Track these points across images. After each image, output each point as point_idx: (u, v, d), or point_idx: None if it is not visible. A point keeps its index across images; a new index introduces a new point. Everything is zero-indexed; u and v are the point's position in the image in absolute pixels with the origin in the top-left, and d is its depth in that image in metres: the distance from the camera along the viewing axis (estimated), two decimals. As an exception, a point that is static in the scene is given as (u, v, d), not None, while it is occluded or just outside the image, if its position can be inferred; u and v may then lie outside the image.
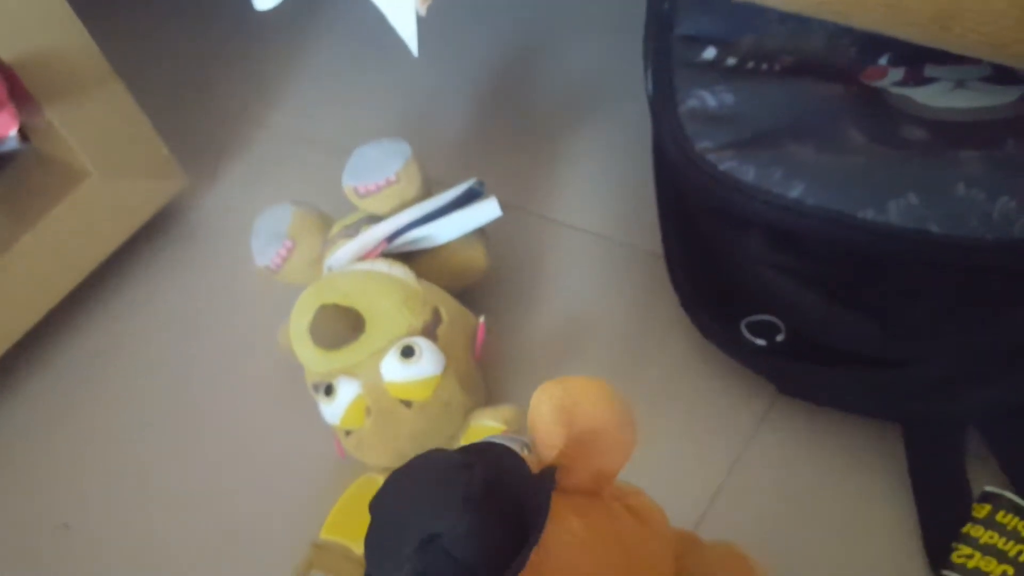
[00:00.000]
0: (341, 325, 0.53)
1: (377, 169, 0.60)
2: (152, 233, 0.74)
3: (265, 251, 0.63)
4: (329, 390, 0.54)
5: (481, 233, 0.62)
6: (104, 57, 0.66)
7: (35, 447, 0.65)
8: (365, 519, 0.54)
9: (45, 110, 0.64)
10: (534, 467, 0.35)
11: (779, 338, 0.52)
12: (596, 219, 0.69)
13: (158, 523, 0.60)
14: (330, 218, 0.64)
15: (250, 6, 0.59)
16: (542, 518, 0.32)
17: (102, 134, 0.67)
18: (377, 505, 0.36)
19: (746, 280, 0.52)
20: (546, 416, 0.35)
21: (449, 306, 0.57)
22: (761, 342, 0.53)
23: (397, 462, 0.56)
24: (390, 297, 0.54)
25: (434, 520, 0.32)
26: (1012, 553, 0.45)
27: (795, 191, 0.46)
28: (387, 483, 0.36)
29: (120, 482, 0.62)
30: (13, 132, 0.61)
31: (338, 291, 0.54)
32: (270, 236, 0.63)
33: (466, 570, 0.31)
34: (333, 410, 0.54)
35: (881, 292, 0.48)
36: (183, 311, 0.70)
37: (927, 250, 0.44)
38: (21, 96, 0.63)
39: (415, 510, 0.33)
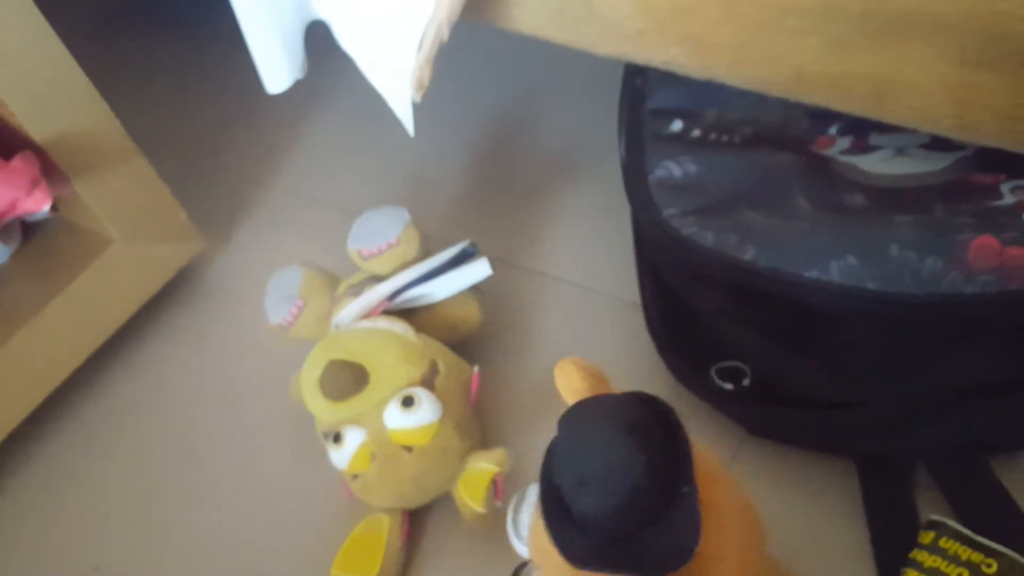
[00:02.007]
0: (347, 378, 0.59)
1: (379, 234, 0.66)
2: (171, 294, 0.79)
3: (278, 310, 0.68)
4: (337, 438, 0.59)
5: (475, 290, 0.67)
6: (126, 133, 0.72)
7: (65, 497, 0.69)
8: (371, 555, 0.60)
9: (73, 183, 0.70)
10: None
11: (745, 383, 0.58)
12: (581, 272, 0.74)
13: (182, 565, 0.64)
14: (337, 277, 0.69)
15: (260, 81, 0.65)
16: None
17: (124, 203, 0.73)
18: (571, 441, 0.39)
19: (711, 329, 0.57)
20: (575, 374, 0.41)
21: (446, 358, 0.62)
22: (729, 386, 0.58)
23: (399, 503, 0.61)
24: (391, 351, 0.60)
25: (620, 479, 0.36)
26: (952, 575, 0.50)
27: (748, 254, 0.52)
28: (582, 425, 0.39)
29: (145, 528, 0.67)
30: (47, 207, 0.66)
31: (344, 348, 0.60)
32: (282, 296, 0.68)
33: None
34: (341, 456, 0.59)
35: (828, 342, 0.53)
36: (200, 366, 0.76)
37: (866, 305, 0.50)
38: (52, 172, 0.68)
39: (592, 458, 0.37)
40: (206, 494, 0.68)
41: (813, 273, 0.50)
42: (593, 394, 0.41)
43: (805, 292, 0.51)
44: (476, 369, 0.64)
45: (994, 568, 0.49)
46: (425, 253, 0.66)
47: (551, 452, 0.39)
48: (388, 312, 0.64)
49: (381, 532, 0.60)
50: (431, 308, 0.66)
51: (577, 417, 0.39)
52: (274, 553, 0.63)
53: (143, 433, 0.72)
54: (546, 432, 0.43)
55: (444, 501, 0.62)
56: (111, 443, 0.72)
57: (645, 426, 0.36)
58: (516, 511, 0.50)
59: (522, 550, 0.43)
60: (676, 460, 0.37)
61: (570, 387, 0.42)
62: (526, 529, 0.42)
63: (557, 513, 0.38)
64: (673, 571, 0.36)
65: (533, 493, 0.42)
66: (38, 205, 0.66)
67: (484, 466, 0.59)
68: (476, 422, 0.63)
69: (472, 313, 0.66)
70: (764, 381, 0.56)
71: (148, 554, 0.65)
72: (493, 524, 0.61)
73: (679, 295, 0.60)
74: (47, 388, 0.71)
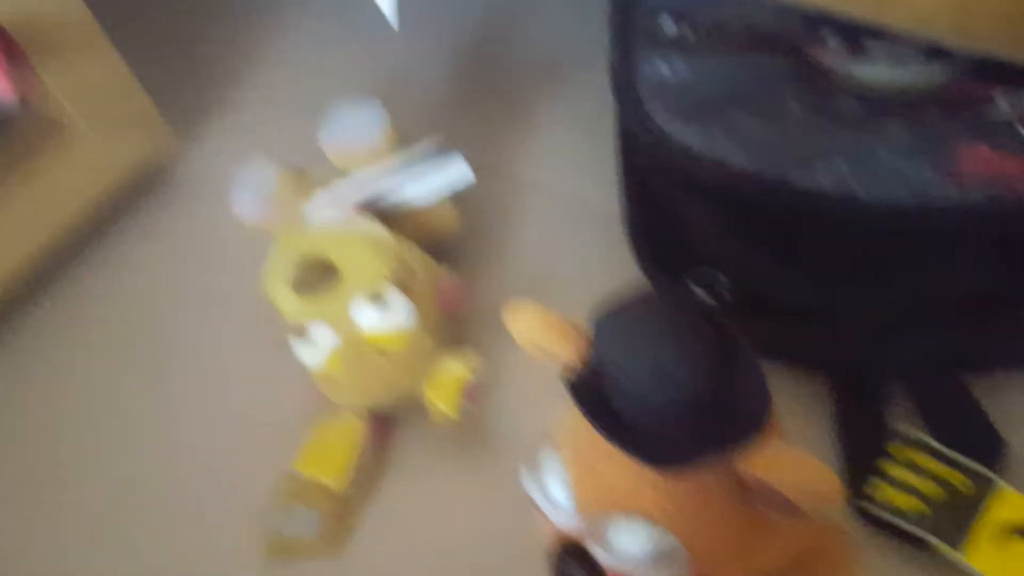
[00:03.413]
0: (317, 273, 0.57)
1: (355, 131, 0.64)
2: (138, 190, 0.76)
3: (247, 205, 0.66)
4: (306, 335, 0.58)
5: (453, 196, 0.65)
6: (93, 18, 0.68)
7: (24, 396, 0.68)
8: (337, 455, 0.59)
9: (36, 68, 0.67)
10: None
11: (724, 294, 0.57)
12: (562, 181, 0.73)
13: (146, 463, 0.63)
14: (310, 174, 0.67)
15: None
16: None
17: (90, 91, 0.70)
18: (615, 341, 0.36)
19: (696, 238, 0.56)
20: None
21: (419, 260, 0.61)
22: (708, 298, 0.57)
23: (368, 403, 0.60)
24: (363, 249, 0.58)
25: (676, 367, 0.33)
26: (922, 489, 0.50)
27: (736, 157, 0.50)
28: (620, 320, 0.36)
29: (107, 427, 0.65)
30: (10, 95, 0.63)
31: (313, 242, 0.58)
32: (253, 192, 0.66)
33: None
34: (310, 354, 0.58)
35: (812, 251, 0.52)
36: (167, 264, 0.74)
37: (854, 214, 0.48)
38: (16, 57, 0.65)
39: (657, 356, 0.34)
40: (172, 393, 0.67)
41: (801, 179, 0.49)
42: (542, 344, 0.39)
43: (792, 198, 0.49)
44: (451, 273, 0.62)
45: (964, 483, 0.49)
46: (401, 151, 0.64)
47: (596, 374, 0.36)
48: (361, 211, 0.62)
49: (349, 432, 0.59)
50: (407, 212, 0.64)
51: (617, 334, 0.36)
52: (240, 450, 0.63)
53: (106, 331, 0.71)
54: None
55: (414, 404, 0.61)
56: (74, 341, 0.70)
57: (677, 314, 0.34)
58: (538, 471, 0.43)
59: (559, 514, 0.39)
60: (719, 329, 0.35)
61: (522, 333, 0.39)
62: (557, 483, 0.39)
63: (622, 434, 0.34)
64: (751, 440, 0.34)
65: (550, 452, 0.40)
66: (3, 93, 0.63)
67: (456, 370, 0.58)
68: (448, 326, 0.62)
69: (448, 217, 0.65)
70: (744, 292, 0.55)
71: (111, 452, 0.64)
72: (463, 428, 0.60)
73: (662, 204, 0.59)
74: (4, 282, 0.69)
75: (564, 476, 0.38)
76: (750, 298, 0.54)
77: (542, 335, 0.38)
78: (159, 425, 0.65)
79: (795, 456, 0.32)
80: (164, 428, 0.65)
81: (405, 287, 0.58)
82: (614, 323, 0.34)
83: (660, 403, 0.33)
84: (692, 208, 0.55)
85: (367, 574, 0.56)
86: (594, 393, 0.35)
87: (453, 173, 0.62)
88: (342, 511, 0.57)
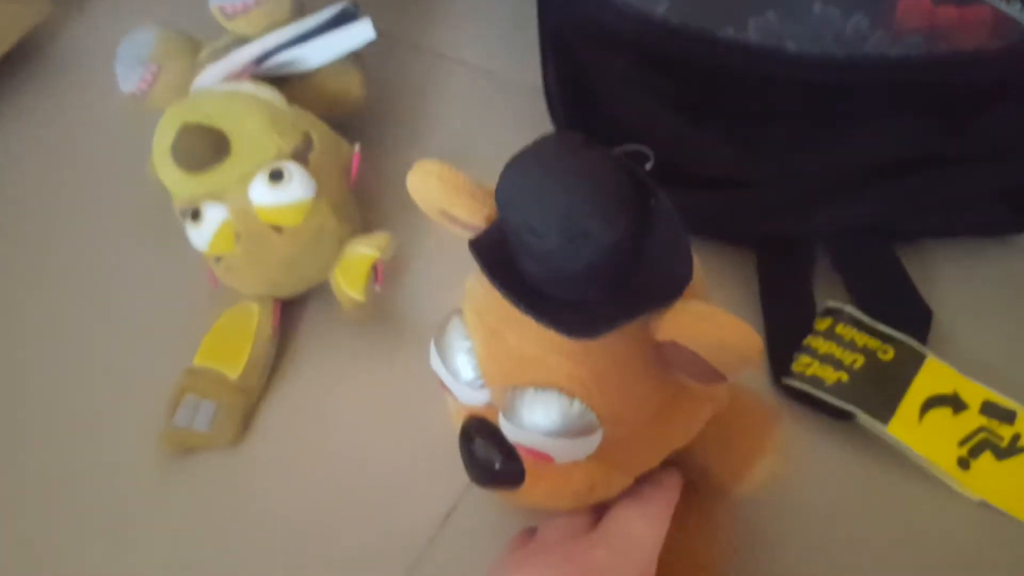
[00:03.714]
0: (205, 147, 0.52)
1: (246, -11, 0.57)
2: (11, 66, 0.69)
3: (129, 76, 0.60)
4: (196, 215, 0.53)
5: (357, 60, 0.60)
6: None
7: None
8: (237, 345, 0.55)
9: None
10: None
11: (648, 166, 0.53)
12: (479, 53, 0.68)
13: (28, 358, 0.58)
14: (198, 42, 0.61)
15: None
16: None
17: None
18: (518, 187, 0.31)
19: (615, 106, 0.52)
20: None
21: (321, 132, 0.56)
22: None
23: (270, 289, 0.56)
24: (257, 119, 0.53)
25: (588, 219, 0.29)
26: (847, 362, 0.48)
27: (660, 8, 0.46)
28: (524, 164, 0.31)
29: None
30: None
31: (201, 111, 0.52)
32: (134, 60, 0.60)
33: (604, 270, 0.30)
34: (200, 235, 0.53)
35: (738, 113, 0.49)
36: (46, 144, 0.67)
37: (783, 68, 0.45)
38: None
39: (568, 206, 0.29)
40: (56, 285, 0.61)
41: (729, 31, 0.45)
42: (447, 206, 0.34)
43: (718, 53, 0.46)
44: (357, 147, 0.57)
45: (891, 354, 0.48)
46: (298, 14, 0.58)
47: (500, 239, 0.32)
48: (255, 78, 0.56)
49: (249, 320, 0.55)
50: (306, 78, 0.58)
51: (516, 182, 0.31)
52: (132, 344, 0.58)
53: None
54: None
55: (320, 290, 0.57)
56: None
57: (578, 158, 0.30)
58: (442, 341, 0.38)
59: (465, 389, 0.36)
60: (632, 178, 0.31)
61: (425, 196, 0.35)
62: (462, 354, 0.34)
63: (530, 298, 0.31)
64: (671, 302, 0.30)
65: (455, 323, 0.36)
66: None
67: (364, 251, 0.54)
68: (356, 206, 0.58)
69: (353, 84, 0.59)
70: (667, 162, 0.51)
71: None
72: (373, 313, 0.57)
73: (583, 71, 0.55)
74: None
75: (470, 347, 0.34)
76: (675, 171, 0.50)
77: (446, 196, 0.34)
78: (45, 326, 0.60)
79: (710, 313, 0.29)
80: (51, 329, 0.60)
81: (305, 161, 0.54)
82: (518, 173, 0.30)
83: (570, 261, 0.29)
84: (612, 72, 0.51)
85: (266, 465, 0.53)
86: (500, 255, 0.31)
87: (354, 31, 0.56)
88: (241, 401, 0.54)
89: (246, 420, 0.54)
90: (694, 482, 0.40)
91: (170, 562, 0.50)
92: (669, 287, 0.30)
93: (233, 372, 0.54)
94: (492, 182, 0.36)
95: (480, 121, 0.64)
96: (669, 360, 0.32)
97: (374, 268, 0.54)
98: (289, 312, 0.58)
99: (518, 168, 0.30)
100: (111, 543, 0.51)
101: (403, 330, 0.57)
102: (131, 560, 0.50)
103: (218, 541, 0.51)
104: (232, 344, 0.55)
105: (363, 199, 0.59)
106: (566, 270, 0.30)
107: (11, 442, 0.55)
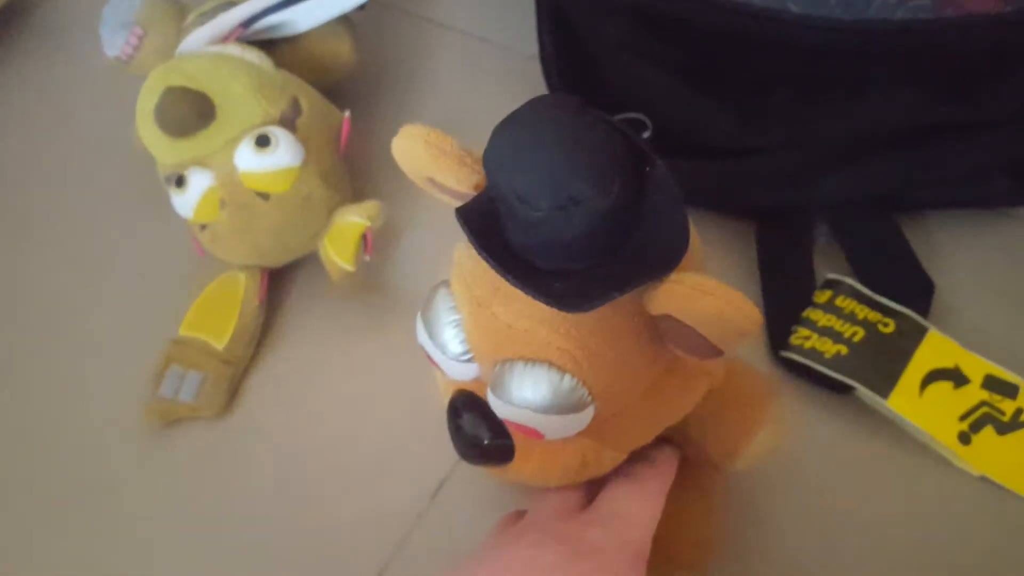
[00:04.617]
0: (190, 111, 0.50)
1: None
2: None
3: (114, 41, 0.58)
4: (180, 181, 0.52)
5: (347, 24, 0.58)
6: None
7: None
8: (223, 315, 0.54)
9: None
10: None
11: (646, 135, 0.52)
12: (473, 20, 0.66)
13: (10, 322, 0.57)
14: (184, 5, 0.59)
15: None
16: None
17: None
18: (507, 151, 0.29)
19: (612, 73, 0.51)
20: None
21: (310, 97, 0.54)
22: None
23: (256, 258, 0.55)
24: (243, 82, 0.51)
25: (580, 185, 0.27)
26: (847, 334, 0.47)
27: (659, -32, 0.45)
28: (513, 127, 0.29)
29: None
30: None
31: (185, 73, 0.51)
32: (119, 24, 0.58)
33: (597, 238, 0.28)
34: (185, 202, 0.52)
35: (739, 80, 0.47)
36: (31, 109, 0.66)
37: (785, 31, 0.43)
38: None
39: (558, 170, 0.28)
40: (40, 252, 0.60)
41: (729, -8, 0.44)
42: (433, 172, 0.33)
43: (719, 16, 0.44)
44: (347, 114, 0.56)
45: (891, 327, 0.47)
46: (288, -25, 0.56)
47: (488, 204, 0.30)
48: (243, 42, 0.55)
49: (236, 290, 0.54)
50: (295, 42, 0.57)
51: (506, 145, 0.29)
52: (117, 313, 0.57)
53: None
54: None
55: (309, 259, 0.56)
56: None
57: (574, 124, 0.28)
58: (429, 314, 0.37)
59: (453, 364, 0.34)
60: (627, 143, 0.29)
61: (411, 162, 0.33)
62: (449, 327, 0.34)
63: (518, 268, 0.29)
64: (667, 273, 0.29)
65: (442, 295, 0.34)
66: None
67: (354, 219, 0.53)
68: (346, 174, 0.56)
69: (343, 49, 0.58)
70: (667, 131, 0.50)
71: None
72: (362, 283, 0.55)
73: (579, 38, 0.53)
74: None
75: (457, 320, 0.33)
76: (674, 140, 0.49)
77: (432, 162, 0.33)
78: (29, 293, 0.59)
79: (708, 285, 0.28)
80: (34, 296, 0.58)
81: (292, 127, 0.52)
82: (507, 136, 0.29)
83: (561, 229, 0.28)
84: (608, 37, 0.49)
85: (252, 437, 0.52)
86: (488, 223, 0.30)
87: (344, -8, 0.54)
88: (227, 372, 0.53)
89: (232, 391, 0.53)
90: (689, 456, 0.39)
91: (154, 533, 0.49)
92: (664, 258, 0.29)
93: (219, 342, 0.53)
94: (482, 148, 0.35)
95: (473, 89, 0.63)
96: (664, 333, 0.31)
97: (364, 237, 0.53)
98: (277, 282, 0.57)
99: (507, 131, 0.29)
100: (95, 514, 0.50)
101: (393, 301, 0.56)
102: (115, 531, 0.50)
103: (202, 513, 0.50)
104: (218, 314, 0.54)
105: (353, 167, 0.58)
106: (556, 239, 0.28)
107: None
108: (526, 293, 0.29)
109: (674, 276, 0.29)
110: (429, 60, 0.65)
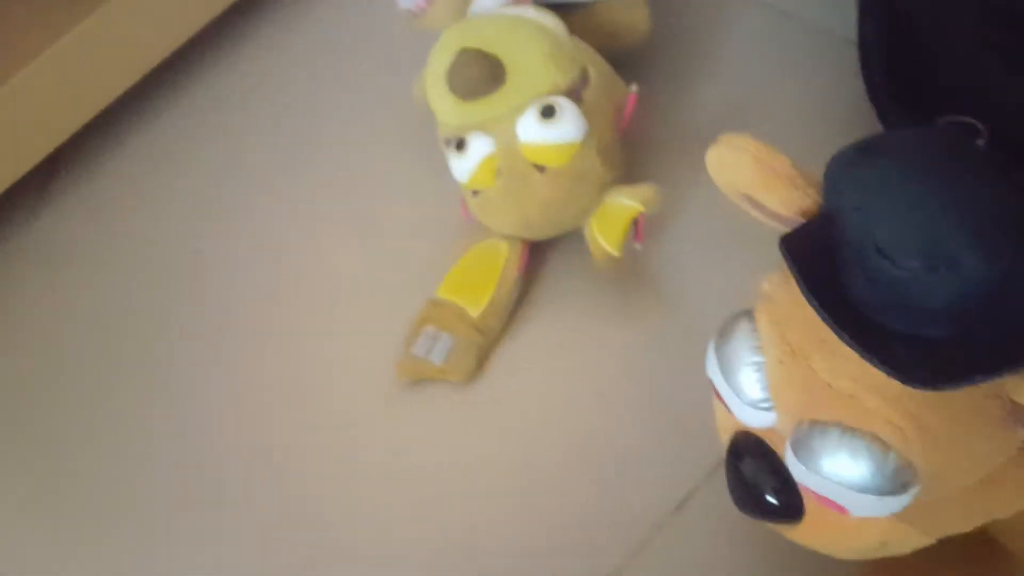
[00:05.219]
0: (481, 74, 0.49)
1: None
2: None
3: (409, -8, 0.58)
4: (461, 145, 0.51)
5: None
6: None
7: (171, 180, 0.64)
8: (481, 283, 0.53)
9: None
10: None
11: (979, 143, 0.45)
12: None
13: (284, 258, 0.59)
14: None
15: None
16: None
17: None
18: (871, 189, 0.25)
19: (949, 66, 0.44)
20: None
21: (600, 68, 0.51)
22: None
23: (522, 230, 0.53)
24: (537, 48, 0.49)
25: (963, 246, 0.23)
26: None
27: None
28: (883, 160, 0.25)
29: (248, 218, 0.61)
30: None
31: (481, 36, 0.49)
32: (415, -27, 0.58)
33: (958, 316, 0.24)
34: (463, 166, 0.51)
35: None
36: (318, 55, 0.67)
37: None
38: None
39: (939, 226, 0.24)
40: (311, 193, 0.61)
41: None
42: (754, 191, 0.29)
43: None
44: (634, 88, 0.53)
45: None
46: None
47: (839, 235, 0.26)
48: (538, 5, 0.53)
49: (497, 259, 0.53)
50: (590, 7, 0.54)
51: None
52: (381, 267, 0.57)
53: (250, 124, 0.65)
54: (706, 173, 0.32)
55: (572, 237, 0.53)
56: (218, 130, 0.65)
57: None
58: (725, 349, 0.32)
59: (747, 410, 0.30)
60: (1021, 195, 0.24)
61: (730, 176, 0.29)
62: (749, 369, 0.30)
63: (857, 327, 0.25)
64: None
65: (744, 330, 0.30)
66: None
67: (626, 203, 0.50)
68: (624, 151, 0.53)
69: (639, 19, 0.54)
70: (1008, 140, 0.42)
71: (248, 244, 0.60)
72: (625, 271, 0.53)
73: (915, 26, 0.46)
74: (156, 58, 0.64)
75: (760, 364, 0.29)
76: (1017, 152, 0.42)
77: (760, 181, 0.29)
78: (302, 226, 0.60)
79: None
80: (299, 232, 0.60)
81: (579, 99, 0.50)
82: (873, 170, 0.24)
83: (925, 294, 0.24)
84: (946, 17, 0.42)
85: (495, 409, 0.51)
86: (822, 266, 0.26)
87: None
88: (478, 340, 0.52)
89: (481, 359, 0.52)
90: (997, 542, 0.33)
91: (390, 485, 0.50)
92: None
93: (474, 309, 0.52)
94: (796, 158, 0.31)
95: (773, 70, 0.58)
96: None
97: (634, 222, 0.50)
98: (536, 256, 0.55)
99: (867, 165, 0.25)
100: (338, 463, 0.51)
101: (656, 295, 0.53)
102: (355, 480, 0.50)
103: (437, 476, 0.50)
104: (477, 281, 0.53)
105: (631, 144, 0.54)
106: (917, 302, 0.24)
107: (251, 352, 0.56)
108: (863, 358, 0.24)
109: None
110: (725, 34, 0.60)
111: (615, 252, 0.50)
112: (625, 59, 0.55)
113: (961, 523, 0.30)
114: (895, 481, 0.26)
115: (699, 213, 0.54)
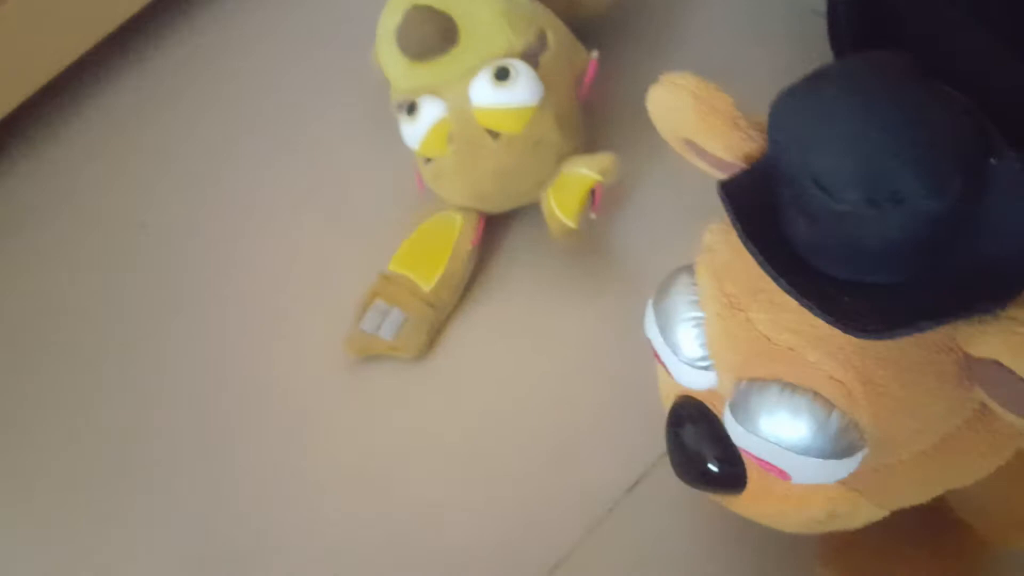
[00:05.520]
0: (432, 34, 0.47)
1: None
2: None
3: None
4: (412, 109, 0.48)
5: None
6: None
7: (118, 153, 0.62)
8: (434, 256, 0.51)
9: None
10: None
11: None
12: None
13: (230, 232, 0.57)
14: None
15: None
16: None
17: None
18: (808, 121, 0.24)
19: (925, 32, 0.42)
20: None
21: (559, 32, 0.49)
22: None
23: (476, 200, 0.51)
24: (490, 8, 0.47)
25: (906, 178, 0.21)
26: None
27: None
28: (820, 91, 0.23)
29: (197, 189, 0.59)
30: None
31: (432, -7, 0.47)
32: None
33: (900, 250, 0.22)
34: (414, 131, 0.49)
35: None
36: (276, 27, 0.65)
37: None
38: None
39: (879, 155, 0.22)
40: (263, 161, 0.59)
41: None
42: (695, 134, 0.27)
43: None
44: (594, 54, 0.51)
45: None
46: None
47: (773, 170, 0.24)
48: (495, -36, 0.50)
49: (450, 232, 0.51)
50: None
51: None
52: (332, 242, 0.55)
53: (203, 94, 0.63)
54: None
55: (528, 210, 0.51)
56: (171, 101, 0.63)
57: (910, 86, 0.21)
58: (663, 305, 0.30)
59: (686, 370, 0.28)
60: (972, 126, 0.22)
61: (670, 117, 0.27)
62: (687, 326, 0.27)
63: (797, 272, 0.23)
64: (1001, 307, 0.22)
65: (683, 284, 0.28)
66: None
67: (584, 172, 0.48)
68: (583, 120, 0.51)
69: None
70: (993, 114, 0.41)
71: (196, 216, 0.58)
72: (583, 242, 0.51)
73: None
74: (100, 32, 0.61)
75: (699, 319, 0.27)
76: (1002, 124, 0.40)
77: (699, 121, 0.27)
78: (251, 199, 0.58)
79: None
80: (244, 199, 0.58)
81: (535, 63, 0.48)
82: (810, 102, 0.22)
83: (869, 231, 0.21)
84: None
85: (446, 386, 0.49)
86: (761, 208, 0.24)
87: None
88: (430, 315, 0.50)
89: (432, 335, 0.51)
90: (961, 520, 0.31)
91: (339, 464, 0.48)
92: (1003, 285, 0.21)
93: (426, 283, 0.50)
94: (759, 110, 0.29)
95: (740, 36, 0.56)
96: (980, 381, 0.23)
97: (592, 192, 0.48)
98: (492, 229, 0.53)
99: (810, 93, 0.23)
100: (285, 442, 0.50)
101: (613, 267, 0.51)
102: (305, 457, 0.49)
103: (386, 453, 0.48)
104: (429, 254, 0.51)
105: (590, 113, 0.52)
106: (859, 242, 0.22)
107: (196, 328, 0.54)
108: (802, 304, 0.22)
109: (1011, 311, 0.22)
110: (692, 2, 0.58)
111: (572, 224, 0.48)
112: (587, 26, 0.53)
113: (915, 494, 0.28)
114: (839, 442, 0.24)
115: (660, 182, 0.52)
